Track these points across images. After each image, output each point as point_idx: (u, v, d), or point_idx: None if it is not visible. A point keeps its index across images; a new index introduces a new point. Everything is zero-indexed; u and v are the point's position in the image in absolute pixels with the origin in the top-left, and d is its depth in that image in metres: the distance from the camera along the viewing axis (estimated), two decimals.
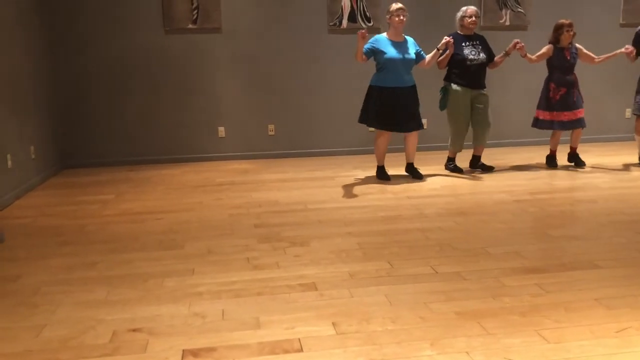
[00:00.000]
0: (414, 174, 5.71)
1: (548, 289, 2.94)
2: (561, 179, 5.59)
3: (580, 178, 5.63)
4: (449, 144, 5.96)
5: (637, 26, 6.42)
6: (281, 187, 5.53)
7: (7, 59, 5.30)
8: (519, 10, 7.37)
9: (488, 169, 5.96)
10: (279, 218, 4.44)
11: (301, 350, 2.38)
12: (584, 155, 6.40)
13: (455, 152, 5.97)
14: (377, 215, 4.46)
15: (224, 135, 7.12)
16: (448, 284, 3.05)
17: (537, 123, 6.04)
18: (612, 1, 7.54)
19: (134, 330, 2.59)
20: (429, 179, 5.68)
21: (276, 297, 2.93)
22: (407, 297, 2.88)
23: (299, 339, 2.47)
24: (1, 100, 5.11)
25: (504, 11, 7.33)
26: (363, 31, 5.08)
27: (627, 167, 6.10)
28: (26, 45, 5.84)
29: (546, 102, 5.91)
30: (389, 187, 5.38)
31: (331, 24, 7.05)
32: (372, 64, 5.46)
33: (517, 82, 7.40)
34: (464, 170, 5.94)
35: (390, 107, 5.34)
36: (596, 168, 6.08)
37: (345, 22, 7.05)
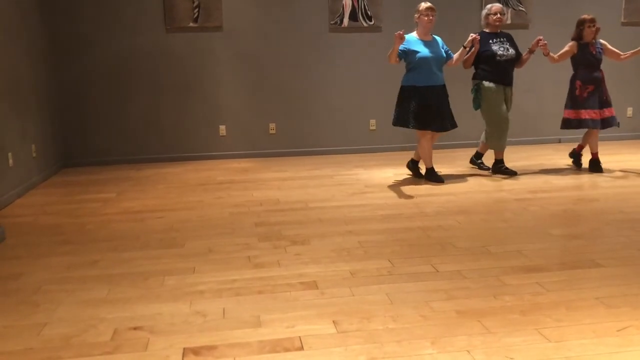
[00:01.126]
0: (436, 179, 5.47)
1: (549, 288, 2.94)
2: (562, 178, 5.58)
3: (581, 177, 5.62)
4: (489, 144, 5.72)
5: (638, 25, 6.42)
6: (282, 186, 5.53)
7: (9, 58, 5.30)
8: (521, 8, 7.36)
9: (513, 173, 5.71)
10: (280, 217, 4.44)
11: (302, 348, 2.38)
12: (586, 154, 6.38)
13: (502, 152, 5.71)
14: (377, 213, 4.46)
15: (224, 134, 7.12)
16: (449, 282, 3.05)
17: (566, 124, 5.75)
18: (614, 0, 7.53)
19: (134, 329, 2.59)
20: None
21: (277, 295, 2.93)
22: (408, 295, 2.88)
23: (300, 338, 2.47)
24: (3, 99, 5.11)
25: (505, 9, 7.31)
26: (401, 32, 5.02)
27: (628, 165, 6.09)
28: (28, 45, 5.84)
29: (572, 101, 5.68)
30: (390, 186, 5.38)
31: (332, 22, 7.04)
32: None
33: (517, 80, 7.38)
34: (517, 172, 5.69)
35: (427, 106, 5.25)
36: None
37: (346, 21, 7.04)
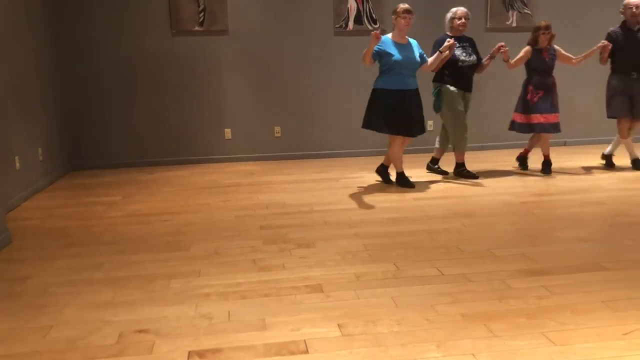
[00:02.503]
0: (407, 183, 5.44)
1: (554, 291, 2.93)
2: (566, 181, 5.57)
3: (585, 180, 5.61)
4: (453, 147, 5.77)
5: None
6: (287, 189, 5.54)
7: (16, 62, 5.34)
8: (526, 11, 7.36)
9: (472, 176, 5.74)
10: (285, 220, 4.45)
11: (307, 351, 2.38)
12: (591, 157, 6.38)
13: (463, 155, 5.77)
14: (382, 216, 4.46)
15: (230, 137, 7.14)
16: (454, 285, 3.04)
17: (514, 126, 5.91)
18: (617, 3, 7.50)
19: (140, 332, 2.60)
20: (434, 182, 5.67)
21: (282, 298, 2.93)
22: (413, 298, 2.88)
23: (305, 341, 2.47)
24: (10, 102, 5.14)
25: (510, 12, 7.32)
26: (378, 32, 4.94)
27: (632, 168, 6.07)
28: (35, 48, 5.88)
29: (523, 105, 5.81)
30: (395, 189, 5.38)
31: (337, 25, 7.05)
32: (374, 66, 5.41)
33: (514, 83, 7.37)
34: (478, 176, 5.74)
35: (398, 111, 5.18)
36: (601, 169, 6.05)
37: (351, 24, 7.05)
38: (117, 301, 2.95)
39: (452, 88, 5.56)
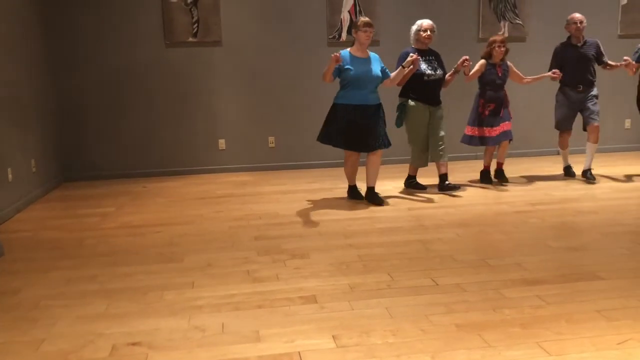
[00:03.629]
0: (374, 199, 5.24)
1: (549, 301, 2.93)
2: (561, 190, 5.59)
3: (579, 189, 5.63)
4: (410, 161, 5.76)
5: (635, 37, 6.47)
6: (281, 199, 5.53)
7: (8, 73, 5.33)
8: (518, 22, 7.41)
9: (452, 189, 5.60)
10: (279, 230, 4.44)
11: None
12: (583, 166, 6.40)
13: (417, 169, 5.78)
14: (376, 227, 4.46)
15: (224, 148, 7.13)
16: (448, 296, 3.04)
17: (465, 139, 5.92)
18: (610, 12, 7.59)
19: (133, 344, 2.58)
20: (427, 192, 5.67)
21: (276, 310, 2.92)
22: (407, 309, 2.88)
23: (299, 353, 2.46)
24: (2, 114, 5.12)
25: (502, 23, 7.36)
26: (337, 54, 4.81)
27: (627, 177, 6.10)
28: (27, 59, 5.87)
29: (475, 118, 5.82)
30: (388, 199, 5.37)
31: (330, 36, 7.08)
32: None
33: (516, 95, 7.42)
34: (426, 187, 5.73)
35: (356, 127, 5.02)
36: (595, 179, 6.07)
37: (344, 35, 7.08)
38: (110, 313, 2.93)
39: (415, 104, 5.45)
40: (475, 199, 5.30)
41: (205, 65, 6.94)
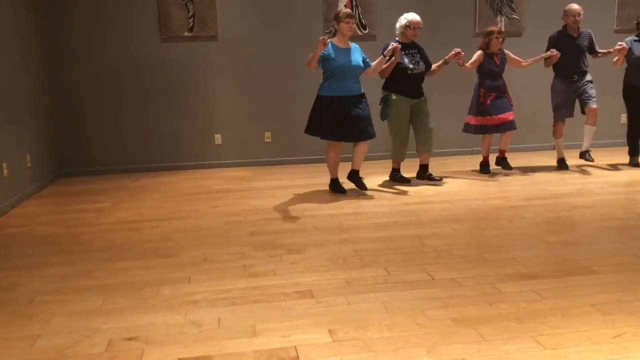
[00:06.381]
0: (358, 183, 5.47)
1: (544, 295, 2.94)
2: (556, 185, 5.60)
3: (575, 184, 5.64)
4: (391, 154, 5.85)
5: (631, 32, 6.48)
6: (277, 195, 5.53)
7: (3, 69, 5.30)
8: (514, 16, 7.40)
9: (436, 180, 5.80)
10: (275, 225, 4.43)
11: (297, 358, 2.37)
12: (579, 160, 6.42)
13: (399, 162, 5.85)
14: (373, 221, 4.46)
15: (220, 143, 7.12)
16: (444, 290, 3.04)
17: (468, 128, 6.09)
18: (606, 7, 7.58)
19: (129, 339, 2.58)
20: (423, 186, 5.68)
21: (272, 304, 2.92)
22: (403, 303, 2.88)
23: (295, 347, 2.46)
24: None
25: (499, 18, 7.36)
26: (325, 37, 4.86)
27: (622, 171, 6.11)
28: (22, 54, 5.84)
29: (477, 107, 5.97)
30: (385, 194, 5.38)
31: (327, 31, 7.06)
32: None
33: (512, 90, 7.42)
34: (410, 180, 5.81)
35: (342, 117, 5.11)
36: (590, 174, 6.09)
37: None
38: (106, 309, 2.93)
39: (397, 97, 5.53)
40: (471, 194, 5.31)
41: (201, 60, 6.91)
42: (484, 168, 6.20)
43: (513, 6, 7.38)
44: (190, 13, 6.78)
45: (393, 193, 5.42)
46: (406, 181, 5.81)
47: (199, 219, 4.71)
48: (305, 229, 4.31)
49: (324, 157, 7.08)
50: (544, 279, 3.16)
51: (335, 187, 5.51)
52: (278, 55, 7.04)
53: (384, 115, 5.64)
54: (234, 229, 4.38)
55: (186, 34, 6.82)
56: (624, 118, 7.75)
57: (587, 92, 6.05)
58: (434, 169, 6.05)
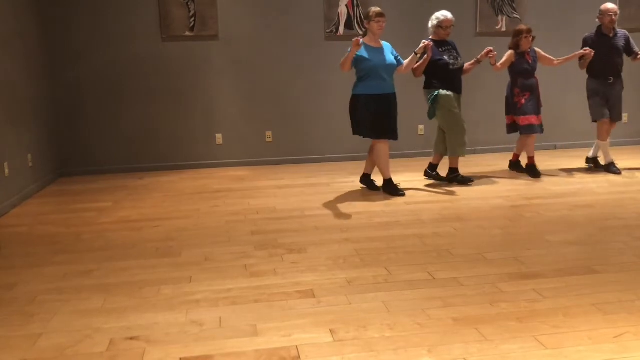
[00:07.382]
0: (394, 191, 5.32)
1: (545, 295, 2.94)
2: (557, 184, 5.59)
3: (576, 183, 5.63)
4: (452, 150, 5.62)
5: (632, 32, 6.47)
6: (278, 194, 5.53)
7: (4, 68, 5.30)
8: (515, 16, 7.40)
9: (468, 181, 5.70)
10: (276, 225, 4.43)
11: (299, 357, 2.37)
12: (581, 160, 6.41)
13: (458, 160, 5.70)
14: (373, 221, 4.46)
15: (221, 142, 7.12)
16: (445, 290, 3.04)
17: (512, 128, 6.07)
18: None
19: (130, 339, 2.58)
20: (425, 186, 5.68)
21: (273, 304, 2.92)
22: (404, 303, 2.88)
23: (297, 347, 2.46)
24: None
25: (499, 17, 7.35)
26: (358, 38, 4.90)
27: (623, 171, 6.10)
28: (24, 54, 5.84)
29: (512, 107, 5.93)
30: (385, 194, 5.37)
31: (328, 31, 7.06)
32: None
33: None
34: (473, 179, 5.73)
35: (381, 115, 5.14)
36: (591, 173, 6.08)
37: (342, 29, 7.06)
38: (107, 308, 2.93)
39: (447, 92, 5.50)
40: (472, 194, 5.31)
41: (202, 59, 6.91)
42: (515, 167, 6.22)
43: (514, 5, 7.37)
44: (191, 12, 6.78)
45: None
46: (469, 180, 5.69)
47: (200, 218, 4.71)
48: (306, 228, 4.31)
49: (325, 157, 7.04)
50: (545, 279, 3.16)
51: (392, 190, 5.34)
52: (279, 54, 7.04)
53: (432, 114, 5.58)
54: (235, 228, 4.38)
55: (187, 33, 6.82)
56: (625, 117, 7.74)
57: (616, 108, 5.96)
58: (439, 169, 6.05)
